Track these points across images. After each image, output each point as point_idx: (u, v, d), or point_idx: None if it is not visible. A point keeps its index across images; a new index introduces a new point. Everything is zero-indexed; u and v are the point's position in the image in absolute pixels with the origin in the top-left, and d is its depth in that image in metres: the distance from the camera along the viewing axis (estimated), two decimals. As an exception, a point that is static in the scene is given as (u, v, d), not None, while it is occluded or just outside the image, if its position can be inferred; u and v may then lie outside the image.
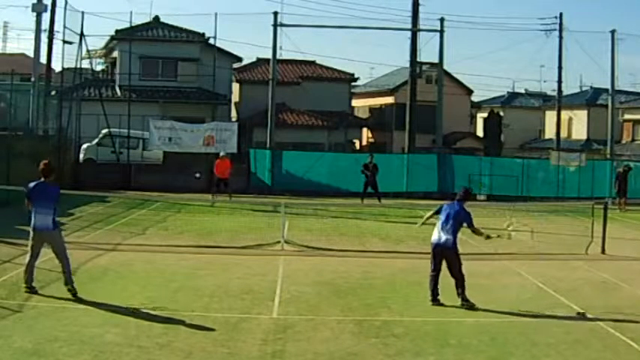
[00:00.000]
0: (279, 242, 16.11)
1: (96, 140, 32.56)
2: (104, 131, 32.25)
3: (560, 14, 37.22)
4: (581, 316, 10.34)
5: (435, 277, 10.83)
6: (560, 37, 37.11)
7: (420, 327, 9.59)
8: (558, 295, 11.76)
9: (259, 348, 8.44)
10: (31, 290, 10.46)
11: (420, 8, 34.19)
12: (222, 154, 26.99)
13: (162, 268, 13.15)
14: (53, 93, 32.87)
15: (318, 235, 18.35)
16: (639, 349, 8.83)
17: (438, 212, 11.19)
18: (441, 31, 33.91)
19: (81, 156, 32.07)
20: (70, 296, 10.32)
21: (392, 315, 10.25)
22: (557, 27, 37.16)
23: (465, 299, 10.60)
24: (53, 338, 8.40)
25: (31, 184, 10.59)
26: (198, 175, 29.24)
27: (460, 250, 16.45)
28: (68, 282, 10.43)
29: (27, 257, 10.59)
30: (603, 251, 16.26)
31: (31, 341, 8.25)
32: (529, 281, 12.88)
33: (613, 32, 35.98)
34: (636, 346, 8.92)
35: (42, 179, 10.56)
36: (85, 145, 32.28)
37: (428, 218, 11.77)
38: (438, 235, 10.89)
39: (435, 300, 10.73)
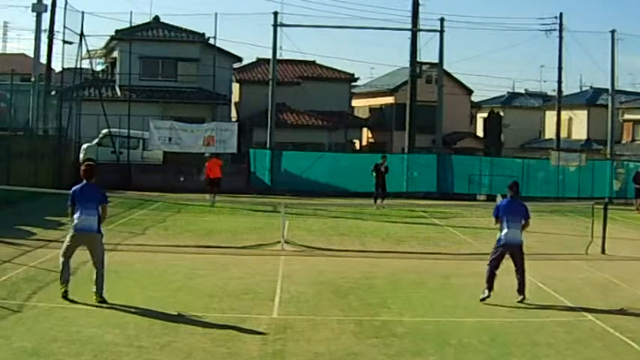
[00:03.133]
0: (279, 242, 16.11)
1: (96, 140, 32.55)
2: (104, 131, 32.25)
3: (560, 14, 37.30)
4: None
5: (494, 270, 11.03)
6: (560, 37, 37.16)
7: (420, 327, 9.59)
8: (558, 295, 11.76)
9: (259, 348, 8.44)
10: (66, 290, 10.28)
11: (420, 8, 34.25)
12: (207, 154, 27.24)
13: (163, 268, 13.15)
14: (53, 93, 32.86)
15: (318, 235, 18.35)
16: (639, 349, 8.84)
17: (496, 216, 11.23)
18: (441, 31, 33.93)
19: (81, 156, 32.02)
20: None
21: (392, 315, 10.25)
22: (557, 27, 37.21)
23: (524, 295, 10.98)
24: (53, 338, 8.40)
25: (76, 187, 10.46)
26: (182, 178, 29.56)
27: (461, 250, 16.57)
28: (98, 290, 10.22)
29: (60, 259, 10.36)
30: (603, 251, 16.26)
31: (31, 341, 8.25)
32: (529, 281, 12.82)
33: (613, 32, 36.06)
34: (636, 346, 8.93)
35: (85, 182, 10.44)
36: (85, 145, 32.26)
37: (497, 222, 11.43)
38: (510, 234, 11.04)
39: (490, 293, 10.92)
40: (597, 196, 26.50)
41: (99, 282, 10.26)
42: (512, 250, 11.12)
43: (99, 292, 10.20)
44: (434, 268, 14.04)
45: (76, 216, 10.26)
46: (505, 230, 11.10)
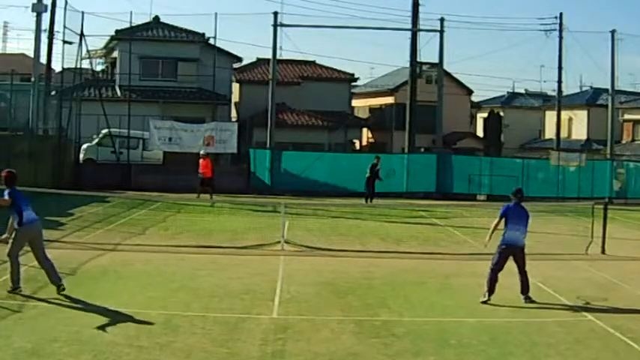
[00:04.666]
0: (279, 242, 16.11)
1: (96, 140, 32.57)
2: (104, 131, 32.26)
3: (560, 14, 37.25)
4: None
5: (497, 274, 11.11)
6: (560, 37, 37.11)
7: (420, 327, 9.59)
8: (558, 295, 11.76)
9: (259, 348, 8.44)
10: (16, 290, 10.41)
11: (420, 8, 34.20)
12: (202, 152, 26.99)
13: (162, 268, 13.15)
14: (53, 93, 32.88)
15: (318, 235, 18.35)
16: (639, 349, 8.84)
17: (503, 216, 11.42)
18: (441, 31, 33.92)
19: (81, 156, 32.08)
20: (66, 296, 10.32)
21: (392, 315, 10.25)
22: (557, 27, 37.15)
23: (528, 294, 11.18)
24: (53, 338, 8.40)
25: (16, 191, 10.51)
26: None
27: (461, 250, 16.57)
28: (55, 281, 10.44)
29: (10, 262, 10.42)
30: (603, 251, 16.27)
31: (31, 341, 8.25)
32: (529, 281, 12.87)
33: (613, 32, 36.01)
34: (636, 346, 8.93)
35: (14, 187, 10.54)
36: (85, 145, 32.28)
37: (495, 227, 11.56)
38: (514, 235, 11.25)
39: (490, 296, 10.99)
40: (597, 196, 26.45)
41: (52, 273, 10.45)
42: (515, 251, 11.22)
43: (58, 282, 10.37)
44: (434, 268, 14.05)
45: (21, 215, 10.36)
46: (509, 232, 11.26)
